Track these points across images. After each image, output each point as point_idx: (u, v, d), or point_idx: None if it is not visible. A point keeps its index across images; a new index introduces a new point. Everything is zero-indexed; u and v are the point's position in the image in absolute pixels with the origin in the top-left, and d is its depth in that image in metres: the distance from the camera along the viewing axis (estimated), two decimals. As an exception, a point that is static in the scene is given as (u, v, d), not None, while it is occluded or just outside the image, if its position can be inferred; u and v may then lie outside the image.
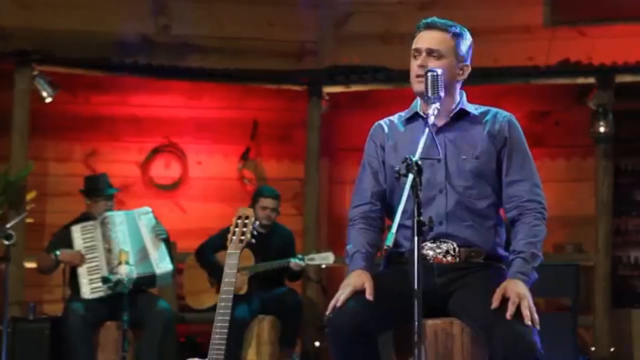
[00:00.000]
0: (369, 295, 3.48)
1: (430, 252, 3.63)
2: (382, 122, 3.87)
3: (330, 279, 8.23)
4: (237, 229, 4.25)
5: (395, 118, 3.86)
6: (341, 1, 8.83)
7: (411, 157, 3.23)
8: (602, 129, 7.58)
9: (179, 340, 7.30)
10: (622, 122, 7.81)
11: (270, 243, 7.19)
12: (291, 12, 8.77)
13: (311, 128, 8.22)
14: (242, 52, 8.59)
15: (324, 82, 8.12)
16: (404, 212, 3.64)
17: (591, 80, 7.72)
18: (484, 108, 3.79)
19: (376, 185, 3.79)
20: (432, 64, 3.62)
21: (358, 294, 3.50)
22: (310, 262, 7.16)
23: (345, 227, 8.75)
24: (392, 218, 3.78)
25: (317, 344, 7.96)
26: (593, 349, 7.59)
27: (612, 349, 7.60)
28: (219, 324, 4.11)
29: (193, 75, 8.29)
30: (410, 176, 3.21)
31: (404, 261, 3.68)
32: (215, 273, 7.24)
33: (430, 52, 3.65)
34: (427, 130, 3.39)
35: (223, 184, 8.65)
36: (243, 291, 7.09)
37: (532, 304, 3.39)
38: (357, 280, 3.54)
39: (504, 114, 3.77)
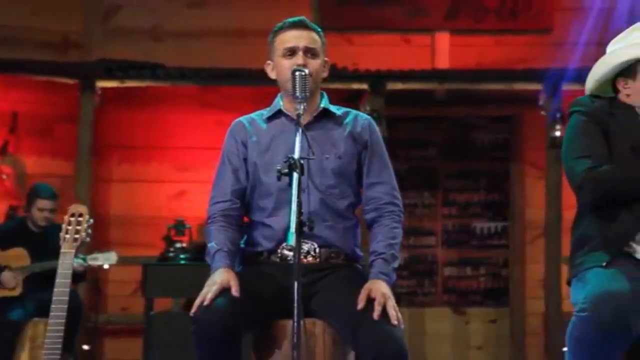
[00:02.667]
0: (235, 293, 3.40)
1: (291, 253, 3.56)
2: (242, 119, 3.83)
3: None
4: (70, 227, 4.05)
5: (255, 116, 3.83)
6: (109, -7, 8.60)
7: (292, 156, 3.24)
8: (378, 134, 7.81)
9: None
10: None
11: (47, 242, 6.82)
12: (56, 2, 8.41)
13: (83, 123, 7.85)
14: (2, 40, 8.13)
15: (98, 76, 7.82)
16: (263, 210, 3.65)
17: (364, 86, 7.94)
18: (344, 109, 3.84)
19: (236, 183, 3.72)
20: (310, 63, 3.64)
21: (225, 292, 3.41)
22: (93, 263, 6.83)
23: (108, 226, 8.56)
24: (250, 216, 3.75)
25: (85, 347, 7.68)
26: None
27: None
28: (53, 327, 3.91)
29: (-51, 63, 7.76)
30: (295, 175, 3.20)
31: (262, 261, 3.67)
32: None
33: (307, 51, 3.68)
34: (300, 130, 3.39)
35: (-22, 178, 8.18)
36: (17, 292, 6.71)
37: (395, 304, 3.44)
38: (222, 278, 3.46)
39: (364, 116, 3.85)
